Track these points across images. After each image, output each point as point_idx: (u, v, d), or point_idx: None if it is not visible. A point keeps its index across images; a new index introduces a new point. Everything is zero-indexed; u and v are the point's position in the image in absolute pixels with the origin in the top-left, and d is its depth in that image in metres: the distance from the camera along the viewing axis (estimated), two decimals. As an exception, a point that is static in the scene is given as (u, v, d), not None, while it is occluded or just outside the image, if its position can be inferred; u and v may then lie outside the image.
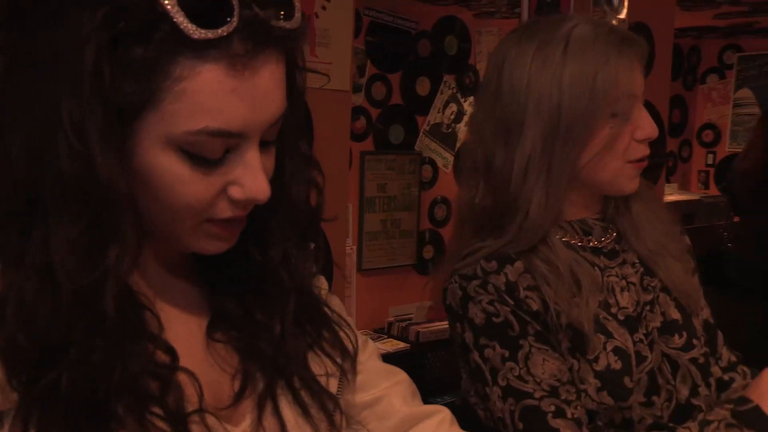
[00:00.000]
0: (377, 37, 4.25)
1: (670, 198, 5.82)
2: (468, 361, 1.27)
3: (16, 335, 0.73)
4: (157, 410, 0.78)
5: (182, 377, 0.83)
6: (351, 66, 2.02)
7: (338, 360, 0.98)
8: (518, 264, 1.25)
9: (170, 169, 0.77)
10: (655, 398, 1.26)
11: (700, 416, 1.24)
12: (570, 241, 1.32)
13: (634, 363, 1.25)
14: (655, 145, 2.88)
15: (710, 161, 6.44)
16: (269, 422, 0.91)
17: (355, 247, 4.23)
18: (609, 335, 1.25)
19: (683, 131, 6.67)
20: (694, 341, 1.32)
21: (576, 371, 1.23)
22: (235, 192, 0.80)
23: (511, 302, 1.23)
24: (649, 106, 2.81)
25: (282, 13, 0.77)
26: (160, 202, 0.80)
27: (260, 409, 0.90)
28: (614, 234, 1.37)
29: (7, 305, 0.74)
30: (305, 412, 0.92)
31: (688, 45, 6.27)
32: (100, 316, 0.75)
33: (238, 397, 0.89)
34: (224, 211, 0.81)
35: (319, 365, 0.96)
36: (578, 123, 1.22)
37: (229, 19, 0.72)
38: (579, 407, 1.21)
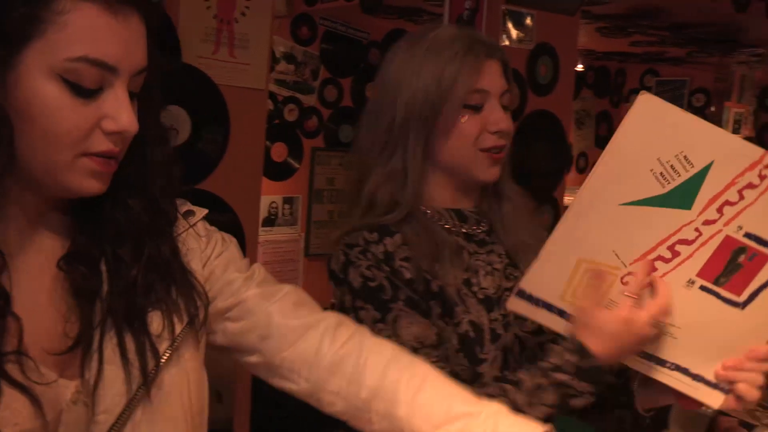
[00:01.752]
0: (331, 45, 4.25)
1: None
2: None
3: None
4: None
5: (10, 320, 0.82)
6: (267, 67, 2.02)
7: (179, 317, 0.95)
8: (397, 237, 1.27)
9: (52, 97, 0.80)
10: (507, 373, 1.25)
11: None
12: (444, 225, 1.33)
13: (487, 338, 1.27)
14: (560, 153, 2.93)
15: (631, 171, 6.49)
16: (93, 368, 0.89)
17: (303, 234, 4.24)
18: (467, 309, 1.27)
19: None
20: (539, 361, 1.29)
21: (444, 332, 1.25)
22: (108, 124, 0.83)
23: (387, 269, 1.24)
24: (553, 118, 2.89)
25: None
26: (41, 132, 0.81)
27: (86, 356, 0.88)
28: (486, 227, 1.39)
29: None
30: (125, 359, 0.90)
31: (615, 67, 6.34)
32: None
33: (73, 345, 0.87)
34: (99, 143, 0.83)
35: (158, 322, 0.93)
36: (427, 110, 1.26)
37: None
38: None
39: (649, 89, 6.32)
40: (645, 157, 1.09)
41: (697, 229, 1.11)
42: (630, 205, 1.12)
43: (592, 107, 6.39)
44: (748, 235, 1.09)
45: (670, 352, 1.17)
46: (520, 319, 1.32)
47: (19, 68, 0.79)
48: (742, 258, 1.10)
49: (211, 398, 2.11)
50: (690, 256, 1.13)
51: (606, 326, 1.13)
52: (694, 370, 1.16)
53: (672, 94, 6.06)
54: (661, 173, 1.09)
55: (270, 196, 4.00)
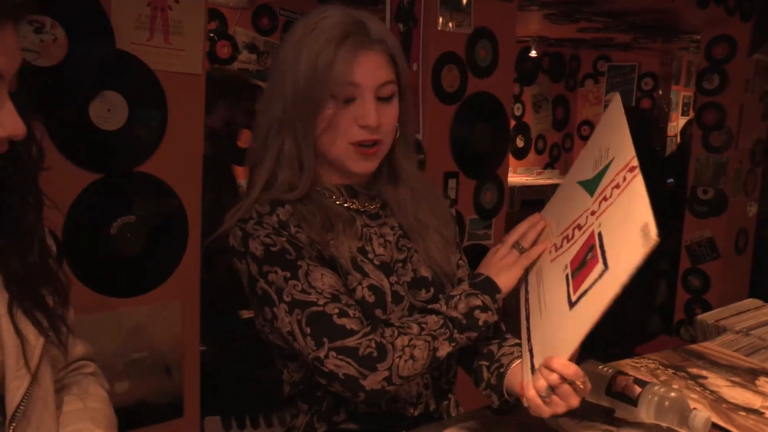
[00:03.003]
0: (294, 35, 4.20)
1: (551, 181, 5.90)
2: (255, 292, 1.22)
3: None
4: None
5: None
6: (203, 52, 1.97)
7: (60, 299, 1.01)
8: (288, 207, 1.23)
9: None
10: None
11: (446, 292, 1.29)
12: (335, 201, 1.29)
13: (389, 300, 1.24)
14: (500, 133, 2.90)
15: (587, 152, 6.51)
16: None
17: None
18: (365, 275, 1.23)
19: (566, 126, 6.73)
20: (440, 296, 1.29)
21: None
22: None
23: (285, 233, 1.20)
24: (493, 99, 2.85)
25: None
26: None
27: None
28: (379, 203, 1.35)
29: None
30: (34, 324, 0.96)
31: (569, 54, 6.32)
32: None
33: None
34: None
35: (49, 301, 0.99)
36: (305, 99, 1.19)
37: None
38: (358, 311, 1.19)
39: (602, 74, 6.33)
40: (596, 146, 1.18)
41: (586, 218, 1.11)
42: (578, 184, 1.19)
43: (548, 91, 6.37)
44: (599, 235, 1.05)
45: (535, 329, 1.15)
46: (414, 288, 1.30)
47: None
48: (589, 256, 1.05)
49: (161, 372, 2.09)
50: (575, 242, 1.11)
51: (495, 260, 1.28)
52: (535, 358, 1.12)
53: (623, 78, 6.06)
54: (596, 160, 1.15)
55: (238, 180, 3.95)
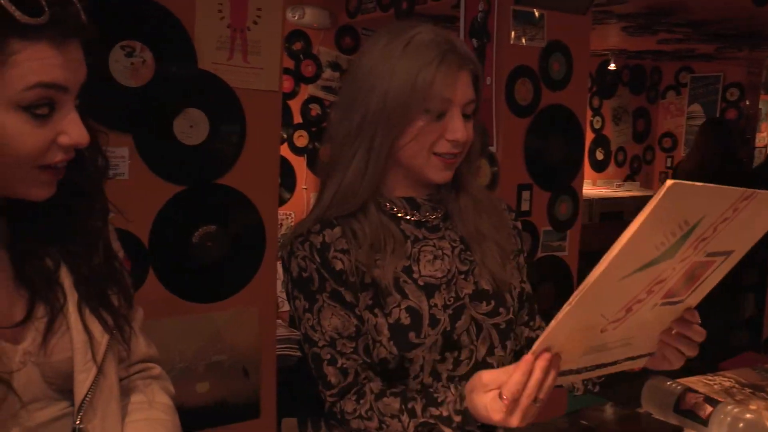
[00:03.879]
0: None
1: (630, 194, 5.70)
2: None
3: None
4: None
5: None
6: (279, 70, 1.99)
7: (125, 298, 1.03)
8: (337, 229, 1.23)
9: (13, 125, 0.83)
10: (448, 354, 1.23)
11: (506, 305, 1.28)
12: (397, 214, 1.28)
13: (426, 323, 1.21)
14: (575, 145, 2.81)
15: (669, 164, 6.30)
16: (54, 338, 0.95)
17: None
18: (405, 296, 1.22)
19: (647, 138, 6.50)
20: (501, 309, 1.28)
21: (374, 325, 1.21)
22: (64, 139, 0.87)
23: (318, 260, 1.21)
24: (568, 112, 2.77)
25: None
26: (5, 154, 0.84)
27: (46, 330, 0.94)
28: (441, 213, 1.33)
29: None
30: (100, 322, 0.98)
31: (650, 66, 6.11)
32: None
33: (22, 322, 0.93)
34: (54, 156, 0.87)
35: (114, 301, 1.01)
36: (398, 111, 1.19)
37: (44, 11, 0.81)
38: (351, 359, 1.21)
39: (684, 86, 6.08)
40: (651, 235, 0.91)
41: (673, 268, 0.97)
42: (625, 278, 0.93)
43: (628, 104, 6.16)
44: (711, 254, 0.98)
45: (623, 353, 1.09)
46: (476, 301, 1.27)
47: None
48: (698, 271, 0.99)
49: (239, 374, 2.11)
50: (662, 289, 1.00)
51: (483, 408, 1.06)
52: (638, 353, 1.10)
53: (706, 89, 5.80)
54: (661, 242, 0.92)
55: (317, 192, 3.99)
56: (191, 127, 1.88)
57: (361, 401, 1.20)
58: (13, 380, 0.90)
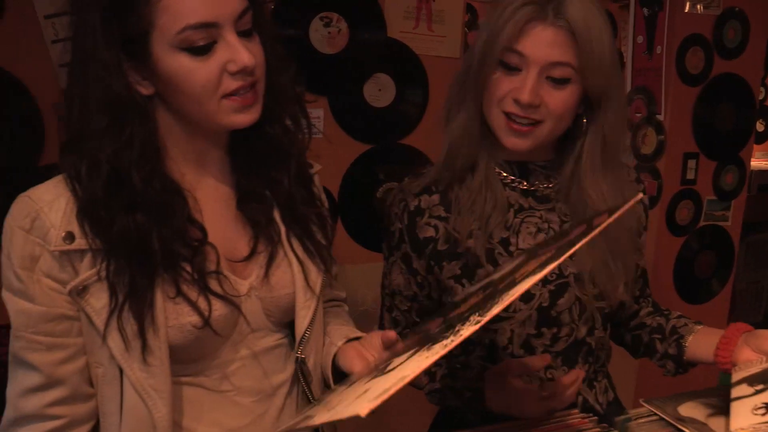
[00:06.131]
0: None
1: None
2: None
3: (82, 199, 0.85)
4: (187, 267, 0.88)
5: (208, 248, 0.91)
6: (461, 38, 2.02)
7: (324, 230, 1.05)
8: (435, 197, 1.17)
9: (179, 65, 0.84)
10: (545, 330, 1.15)
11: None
12: (503, 176, 1.17)
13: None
14: (745, 115, 2.65)
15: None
16: (275, 274, 0.98)
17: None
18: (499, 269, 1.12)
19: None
20: (608, 294, 1.17)
21: (456, 293, 1.15)
22: (231, 66, 0.86)
23: (406, 222, 1.18)
24: (740, 81, 2.61)
25: None
26: (185, 93, 0.86)
27: (267, 265, 0.97)
28: (554, 183, 1.18)
29: (71, 179, 0.86)
30: (309, 256, 0.99)
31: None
32: (131, 190, 0.85)
33: (248, 257, 0.96)
34: (230, 84, 0.86)
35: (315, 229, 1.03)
36: (479, 62, 1.08)
37: None
38: (404, 315, 1.24)
39: None
40: None
41: None
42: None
43: (797, 75, 5.67)
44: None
45: None
46: (581, 281, 1.16)
47: (152, 55, 0.85)
48: None
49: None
50: None
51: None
52: None
53: None
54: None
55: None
56: (380, 90, 1.96)
57: None
58: (242, 307, 0.95)
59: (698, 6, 2.44)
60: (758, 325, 1.13)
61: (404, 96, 1.99)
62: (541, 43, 1.04)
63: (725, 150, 2.67)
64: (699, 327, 1.22)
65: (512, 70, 1.07)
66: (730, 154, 2.69)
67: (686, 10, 2.43)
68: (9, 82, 1.66)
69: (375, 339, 0.95)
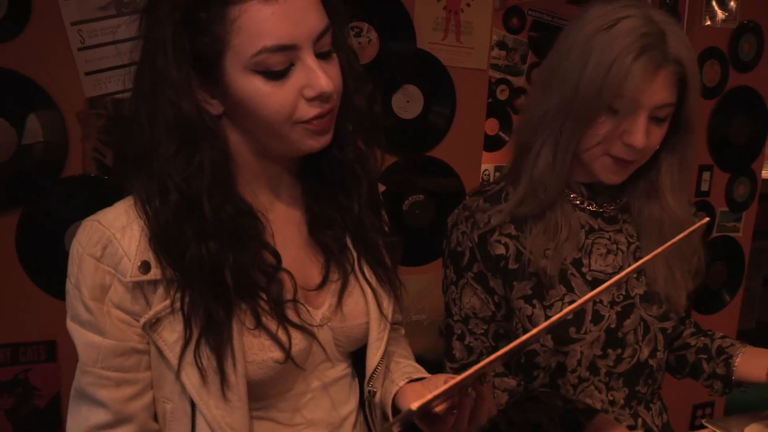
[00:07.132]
0: (539, 32, 4.11)
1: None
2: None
3: (153, 227, 0.80)
4: (263, 296, 0.83)
5: (283, 274, 0.86)
6: (488, 50, 1.98)
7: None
8: (505, 214, 1.13)
9: (253, 89, 0.79)
10: (610, 351, 1.14)
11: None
12: (572, 197, 1.16)
13: (588, 319, 1.11)
14: (758, 127, 2.63)
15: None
16: (348, 303, 0.93)
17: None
18: (570, 289, 1.12)
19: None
20: (672, 315, 1.18)
21: (528, 316, 1.12)
22: (308, 92, 0.80)
23: (476, 240, 1.14)
24: (754, 94, 2.59)
25: None
26: (257, 117, 0.80)
27: (340, 294, 0.92)
28: (621, 203, 1.18)
29: (143, 203, 0.81)
30: (380, 283, 0.94)
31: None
32: (201, 217, 0.79)
33: (321, 285, 0.92)
34: (308, 111, 0.81)
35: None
36: (584, 103, 1.03)
37: None
38: (479, 340, 1.18)
39: None
40: None
41: None
42: None
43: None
44: None
45: None
46: (646, 302, 1.15)
47: (225, 77, 0.79)
48: None
49: (435, 334, 2.16)
50: None
51: None
52: None
53: None
54: None
55: (483, 164, 3.98)
56: (408, 102, 1.92)
57: None
58: (317, 336, 0.90)
59: (716, 18, 2.42)
60: (750, 333, 1.14)
61: (431, 108, 1.94)
62: (656, 91, 1.02)
63: (738, 162, 2.66)
64: (746, 348, 1.23)
65: (617, 112, 1.04)
66: (743, 166, 2.68)
67: (706, 24, 2.41)
68: (33, 90, 1.59)
69: (440, 381, 0.90)
